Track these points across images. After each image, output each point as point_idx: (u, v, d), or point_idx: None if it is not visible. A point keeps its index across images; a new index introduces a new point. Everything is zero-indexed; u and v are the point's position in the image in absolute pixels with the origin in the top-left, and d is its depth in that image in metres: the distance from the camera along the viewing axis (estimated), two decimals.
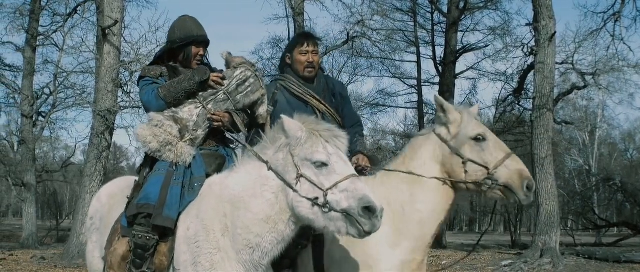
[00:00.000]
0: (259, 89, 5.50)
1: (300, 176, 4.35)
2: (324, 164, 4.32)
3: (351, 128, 6.04)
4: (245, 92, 5.42)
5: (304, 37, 6.33)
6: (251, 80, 5.46)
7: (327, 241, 5.18)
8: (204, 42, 5.69)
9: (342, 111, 6.18)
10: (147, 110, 5.32)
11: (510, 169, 5.08)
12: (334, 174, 4.28)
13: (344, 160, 4.42)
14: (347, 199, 4.16)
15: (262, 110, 5.53)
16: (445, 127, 5.41)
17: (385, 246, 5.15)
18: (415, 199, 5.28)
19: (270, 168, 4.52)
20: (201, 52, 5.66)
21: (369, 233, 4.15)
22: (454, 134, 5.32)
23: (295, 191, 4.34)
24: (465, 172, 5.18)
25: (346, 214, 4.14)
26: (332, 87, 6.24)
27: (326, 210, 4.20)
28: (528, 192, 5.06)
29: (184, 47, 5.59)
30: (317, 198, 4.24)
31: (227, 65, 5.62)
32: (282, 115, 4.55)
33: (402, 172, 5.38)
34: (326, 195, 4.21)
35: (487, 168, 5.10)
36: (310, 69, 6.09)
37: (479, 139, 5.20)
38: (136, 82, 5.70)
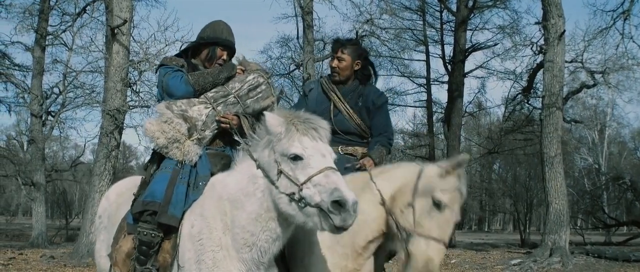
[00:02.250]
0: (269, 96, 5.55)
1: (280, 172, 4.31)
2: (299, 158, 4.25)
3: (376, 137, 6.26)
4: (255, 98, 5.47)
5: (332, 43, 6.66)
6: (263, 86, 5.51)
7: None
8: (229, 48, 5.80)
9: (371, 119, 6.33)
10: (171, 95, 5.33)
11: (427, 249, 4.76)
12: (308, 168, 4.21)
13: (322, 152, 4.33)
14: (320, 194, 4.08)
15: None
16: (434, 171, 5.03)
17: (325, 247, 5.16)
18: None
19: (258, 166, 4.51)
20: (224, 57, 5.76)
21: (341, 228, 4.05)
22: (430, 185, 4.94)
23: (276, 187, 4.32)
24: (401, 211, 4.95)
25: (319, 208, 4.08)
26: (366, 92, 6.42)
27: (302, 205, 4.15)
28: None
29: (210, 45, 5.70)
30: (293, 193, 4.20)
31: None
32: (265, 112, 4.56)
33: (369, 175, 5.29)
34: (301, 190, 4.16)
35: (414, 228, 4.83)
36: (334, 74, 6.40)
37: (436, 204, 4.87)
38: (156, 70, 5.73)
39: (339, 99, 6.28)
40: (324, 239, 5.06)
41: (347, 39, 6.69)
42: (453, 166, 4.93)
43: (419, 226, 4.82)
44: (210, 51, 5.70)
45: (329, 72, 6.60)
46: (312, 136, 4.37)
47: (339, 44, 6.46)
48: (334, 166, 4.30)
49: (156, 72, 5.70)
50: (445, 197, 4.85)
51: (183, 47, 5.83)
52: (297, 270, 5.25)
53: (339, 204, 4.00)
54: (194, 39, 5.92)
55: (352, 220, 4.06)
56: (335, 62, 6.36)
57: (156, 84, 5.74)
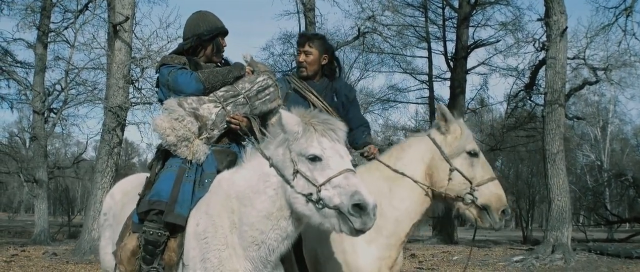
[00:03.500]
0: (276, 98, 5.51)
1: (296, 172, 4.28)
2: (317, 159, 4.23)
3: (358, 128, 6.25)
4: (263, 100, 5.42)
5: (298, 37, 6.61)
6: (271, 89, 5.47)
7: (308, 235, 5.21)
8: (226, 34, 5.78)
9: (347, 113, 6.30)
10: (180, 93, 5.24)
11: (491, 191, 5.36)
12: (328, 169, 4.19)
13: (341, 154, 4.32)
14: (339, 196, 4.06)
15: (275, 120, 5.51)
16: (442, 134, 5.57)
17: (361, 241, 5.21)
18: (393, 195, 5.43)
19: (271, 164, 4.48)
20: (225, 44, 5.76)
21: (360, 231, 4.05)
22: (450, 143, 5.50)
23: (292, 186, 4.28)
24: (449, 179, 5.37)
25: (338, 210, 4.06)
26: (338, 88, 6.41)
27: (320, 206, 4.11)
28: (502, 216, 5.35)
29: (212, 39, 5.66)
30: (311, 194, 4.16)
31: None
32: (281, 110, 4.53)
33: (390, 167, 5.53)
34: (319, 191, 4.13)
35: (470, 183, 5.33)
36: (301, 69, 6.33)
37: (472, 154, 5.43)
38: (157, 70, 5.61)
39: (317, 97, 6.18)
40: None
41: (313, 33, 6.65)
42: (445, 119, 5.56)
43: (474, 179, 5.35)
44: (214, 44, 5.66)
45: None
46: (330, 137, 4.36)
47: (305, 38, 6.41)
48: (353, 168, 4.29)
49: (157, 72, 5.62)
50: (474, 144, 5.49)
51: (186, 46, 5.72)
52: (335, 268, 5.29)
53: (360, 208, 4.00)
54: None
55: (372, 223, 4.06)
56: (303, 57, 6.28)
57: (156, 83, 5.66)
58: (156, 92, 5.74)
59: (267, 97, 5.44)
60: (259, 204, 4.46)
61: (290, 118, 4.40)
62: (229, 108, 5.25)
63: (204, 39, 5.64)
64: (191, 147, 5.03)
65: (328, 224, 4.15)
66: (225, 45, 5.76)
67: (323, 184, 4.14)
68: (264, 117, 5.50)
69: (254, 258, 4.51)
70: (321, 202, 4.11)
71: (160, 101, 5.42)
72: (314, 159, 4.24)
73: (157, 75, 5.57)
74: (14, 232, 35.87)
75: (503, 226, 5.44)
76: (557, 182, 19.71)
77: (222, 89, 5.34)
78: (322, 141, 4.31)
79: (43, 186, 27.24)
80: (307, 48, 6.27)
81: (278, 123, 4.50)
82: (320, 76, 6.38)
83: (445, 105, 5.72)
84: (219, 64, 5.73)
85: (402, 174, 5.46)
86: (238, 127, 5.22)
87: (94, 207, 18.39)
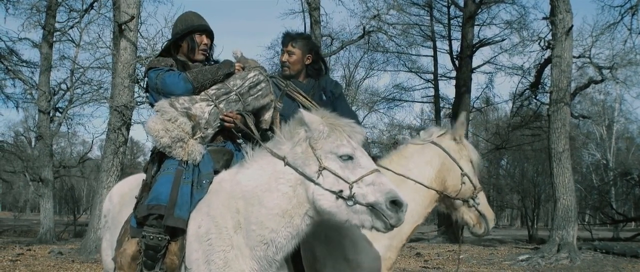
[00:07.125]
0: (268, 94, 5.48)
1: (322, 169, 4.31)
2: (350, 158, 4.32)
3: None
4: (256, 96, 5.39)
5: (282, 37, 6.48)
6: (263, 84, 5.44)
7: (308, 237, 5.20)
8: (207, 31, 5.74)
9: (334, 109, 6.15)
10: (170, 94, 5.20)
11: (485, 201, 5.83)
12: (359, 168, 4.28)
13: (366, 155, 4.43)
14: (374, 193, 4.17)
15: (268, 115, 5.50)
16: (455, 141, 5.83)
17: (363, 240, 5.32)
18: None
19: (287, 164, 4.47)
20: (205, 41, 5.71)
21: (394, 227, 4.17)
22: (458, 150, 5.77)
23: (317, 184, 4.30)
24: (462, 183, 5.61)
25: (371, 207, 4.15)
26: (324, 85, 6.33)
27: (351, 203, 4.18)
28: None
29: (186, 37, 5.65)
30: (341, 191, 4.22)
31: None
32: (301, 110, 4.54)
33: (400, 174, 5.60)
34: (352, 188, 4.20)
35: (475, 188, 5.67)
36: (284, 68, 6.26)
37: (474, 163, 5.80)
38: (144, 74, 5.63)
39: (305, 97, 6.10)
40: (366, 233, 5.21)
41: (298, 33, 6.58)
42: (462, 133, 5.90)
43: (475, 185, 5.72)
44: (188, 41, 5.65)
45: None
46: (357, 138, 4.48)
47: (289, 37, 6.33)
48: (379, 168, 4.40)
49: (145, 77, 5.62)
50: (478, 156, 5.92)
51: (164, 46, 5.71)
52: (335, 266, 5.32)
53: (396, 204, 4.14)
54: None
55: (403, 220, 4.20)
56: (286, 56, 6.22)
57: (145, 88, 5.63)
58: (146, 97, 5.72)
59: (260, 93, 5.41)
60: (270, 202, 4.44)
61: (313, 117, 4.46)
62: (221, 106, 5.20)
63: (178, 38, 5.66)
64: (186, 148, 4.98)
65: (357, 220, 4.22)
66: (205, 43, 5.71)
67: (356, 181, 4.23)
68: (256, 114, 5.49)
69: (261, 258, 4.49)
70: (353, 198, 4.19)
71: (152, 105, 5.35)
72: (346, 157, 4.33)
73: (146, 79, 5.53)
74: (19, 231, 35.95)
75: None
76: (563, 181, 19.71)
77: (214, 87, 5.30)
78: (350, 141, 4.42)
79: (48, 185, 27.28)
80: (290, 48, 6.22)
81: (298, 122, 4.52)
82: (305, 76, 6.33)
83: (452, 109, 5.86)
84: (204, 63, 5.71)
85: (413, 180, 5.57)
86: (232, 124, 5.20)
87: (99, 206, 18.39)
